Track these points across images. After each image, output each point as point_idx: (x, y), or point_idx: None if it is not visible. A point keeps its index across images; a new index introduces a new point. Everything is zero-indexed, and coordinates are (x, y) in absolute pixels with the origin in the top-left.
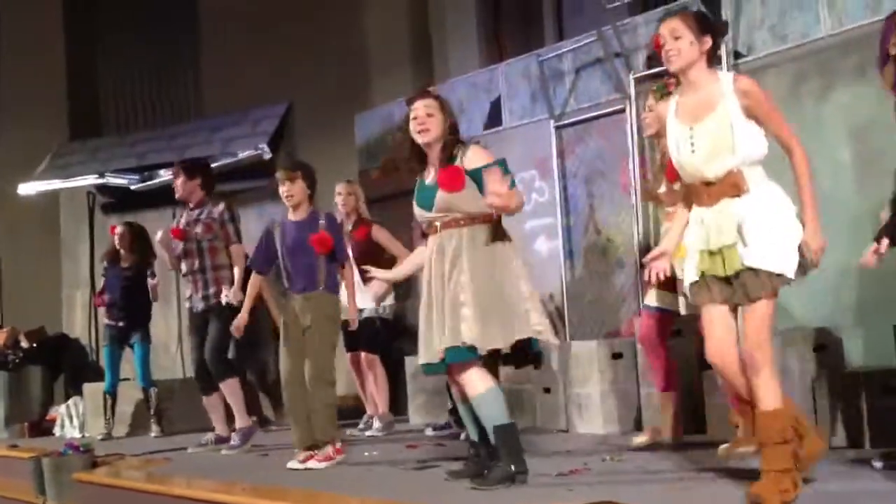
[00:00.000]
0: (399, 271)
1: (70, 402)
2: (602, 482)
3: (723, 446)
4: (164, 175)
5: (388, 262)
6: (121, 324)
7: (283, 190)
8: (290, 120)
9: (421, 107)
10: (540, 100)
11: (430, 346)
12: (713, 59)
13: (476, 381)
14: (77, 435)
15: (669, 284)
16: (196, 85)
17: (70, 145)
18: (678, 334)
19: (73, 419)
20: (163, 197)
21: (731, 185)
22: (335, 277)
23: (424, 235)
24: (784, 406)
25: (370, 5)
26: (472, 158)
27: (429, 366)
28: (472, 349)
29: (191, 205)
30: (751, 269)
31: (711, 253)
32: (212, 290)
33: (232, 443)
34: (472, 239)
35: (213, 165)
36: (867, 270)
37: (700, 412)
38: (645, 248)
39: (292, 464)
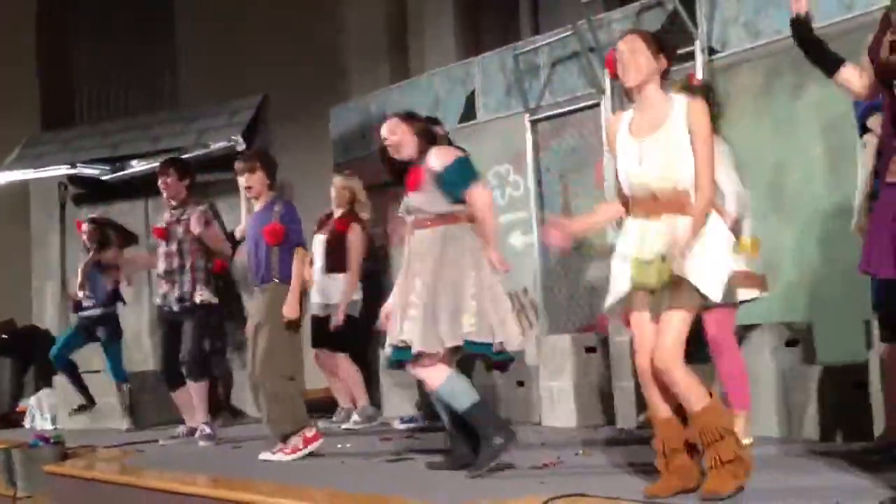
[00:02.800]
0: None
1: (40, 394)
2: (574, 475)
3: None
4: (137, 166)
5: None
6: (94, 313)
7: (241, 181)
8: (265, 112)
9: (385, 130)
10: (515, 94)
11: (389, 340)
12: (666, 80)
13: (432, 377)
14: (48, 427)
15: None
16: (171, 75)
17: (42, 135)
18: None
19: (44, 411)
20: (135, 188)
21: (678, 204)
22: (288, 266)
23: None
24: (713, 401)
25: None
26: (435, 159)
27: (389, 361)
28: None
29: (173, 203)
30: (680, 279)
31: (645, 263)
32: (187, 290)
33: (176, 432)
34: (439, 240)
35: (186, 156)
36: (838, 265)
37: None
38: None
39: (263, 454)
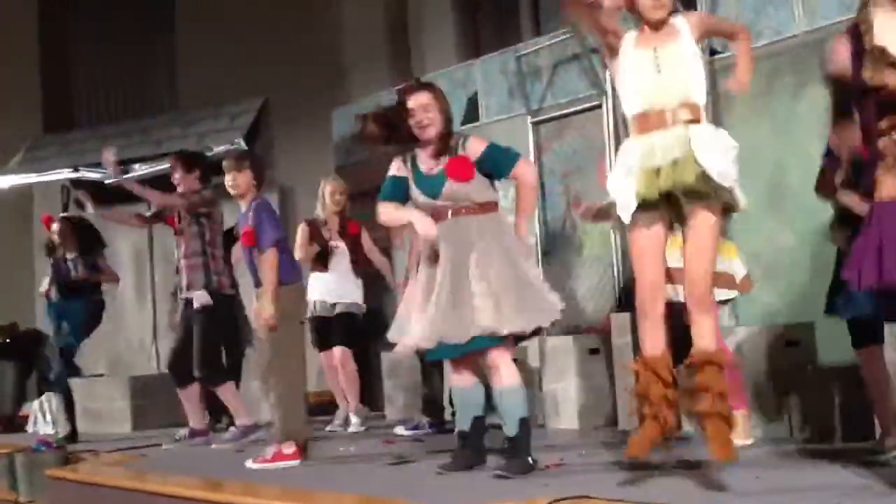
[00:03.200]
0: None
1: (43, 398)
2: (578, 477)
3: None
4: (139, 169)
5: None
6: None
7: (227, 179)
8: (266, 115)
9: (417, 103)
10: (517, 96)
11: (447, 330)
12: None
13: (507, 372)
14: (50, 431)
15: None
16: (172, 78)
17: (44, 139)
18: None
19: (46, 416)
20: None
21: (691, 110)
22: (287, 267)
23: None
24: (722, 354)
25: (348, 0)
26: (473, 148)
27: (436, 352)
28: (494, 337)
29: (183, 195)
30: (705, 180)
31: (657, 172)
32: (185, 283)
33: (226, 436)
34: (483, 228)
35: None
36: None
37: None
38: (621, 244)
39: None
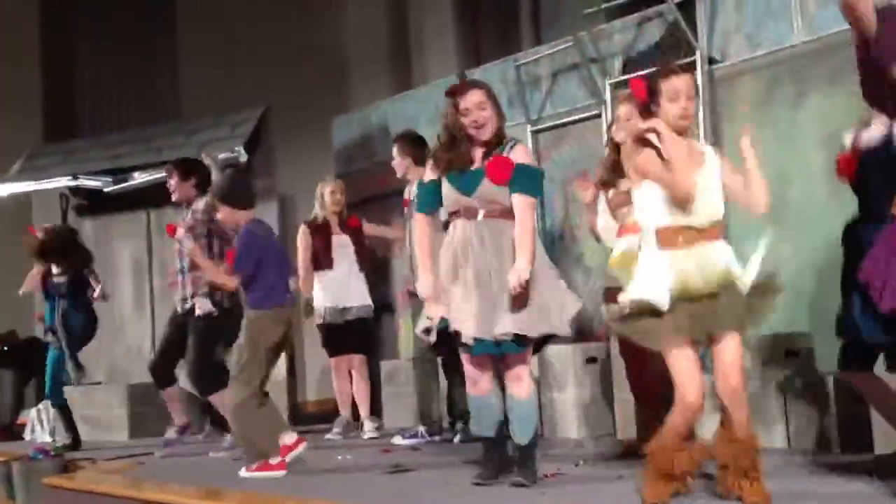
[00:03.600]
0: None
1: (41, 406)
2: (575, 487)
3: None
4: (139, 177)
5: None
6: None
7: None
8: (267, 123)
9: (472, 102)
10: (517, 104)
11: (488, 324)
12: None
13: (528, 382)
14: (48, 440)
15: None
16: (173, 86)
17: (44, 147)
18: None
19: (44, 424)
20: (136, 199)
21: (715, 233)
22: (270, 291)
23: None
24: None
25: (349, 9)
26: (517, 155)
27: (481, 344)
28: (523, 341)
29: (178, 203)
30: (742, 284)
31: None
32: (189, 293)
33: (224, 444)
34: (512, 234)
35: None
36: (839, 275)
37: None
38: None
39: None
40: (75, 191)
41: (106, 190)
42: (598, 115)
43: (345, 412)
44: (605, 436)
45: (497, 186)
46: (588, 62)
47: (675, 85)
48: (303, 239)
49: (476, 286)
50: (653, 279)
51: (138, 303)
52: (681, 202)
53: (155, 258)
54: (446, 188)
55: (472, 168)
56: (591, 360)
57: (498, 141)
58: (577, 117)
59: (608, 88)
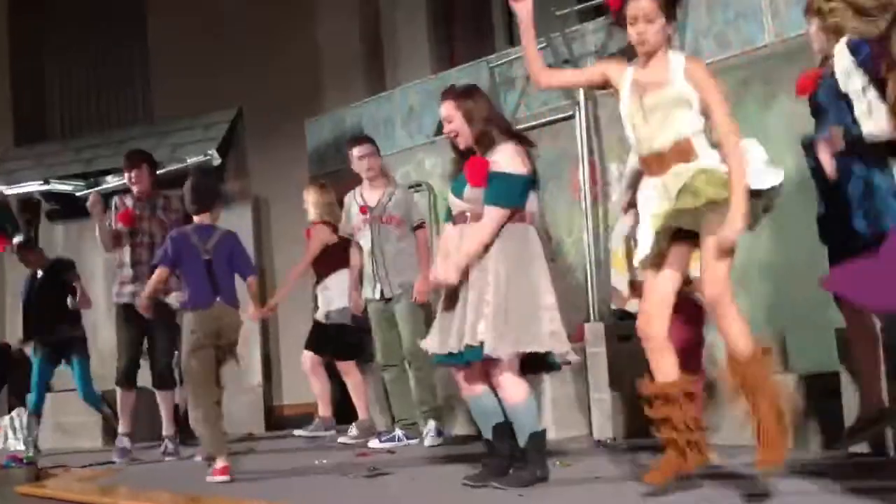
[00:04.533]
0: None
1: (14, 413)
2: (553, 487)
3: None
4: (111, 181)
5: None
6: (52, 338)
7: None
8: (240, 125)
9: (443, 115)
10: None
11: (446, 337)
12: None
13: (513, 388)
14: (21, 447)
15: None
16: (144, 89)
17: (15, 150)
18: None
19: (17, 431)
20: (109, 203)
21: (681, 153)
22: (185, 295)
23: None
24: (757, 346)
25: (322, 11)
26: (499, 159)
27: (440, 356)
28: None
29: (140, 195)
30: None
31: (667, 213)
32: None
33: (168, 448)
34: (498, 239)
35: (161, 171)
36: (808, 275)
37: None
38: (595, 253)
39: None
40: (47, 195)
41: (78, 194)
42: (572, 116)
43: (323, 411)
44: (582, 435)
45: (474, 189)
46: (561, 63)
47: (630, 10)
48: (322, 234)
49: (447, 293)
50: (643, 223)
51: (110, 308)
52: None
53: None
54: (449, 194)
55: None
56: (566, 361)
57: (488, 143)
58: (551, 118)
59: (581, 89)
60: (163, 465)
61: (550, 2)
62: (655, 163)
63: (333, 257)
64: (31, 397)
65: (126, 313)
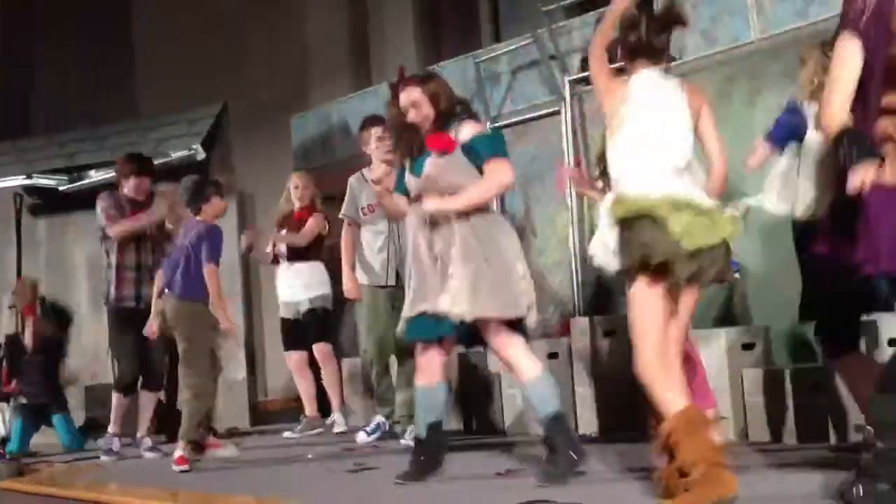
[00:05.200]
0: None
1: None
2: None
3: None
4: (95, 176)
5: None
6: (40, 400)
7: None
8: (224, 120)
9: (407, 101)
10: (477, 101)
11: (418, 302)
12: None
13: (525, 363)
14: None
15: None
16: (130, 84)
17: None
18: (612, 333)
19: (1, 427)
20: (93, 198)
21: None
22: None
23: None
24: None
25: (309, 7)
26: (465, 132)
27: (412, 332)
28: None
29: (141, 199)
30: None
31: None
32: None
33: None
34: (463, 213)
35: None
36: (793, 270)
37: (633, 409)
38: (581, 249)
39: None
40: (30, 190)
41: (61, 189)
42: (558, 112)
43: (309, 410)
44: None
45: (441, 160)
46: (548, 59)
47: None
48: (321, 223)
49: (417, 268)
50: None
51: (94, 304)
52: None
53: None
54: (407, 178)
55: (422, 153)
56: (552, 355)
57: (441, 124)
58: (537, 114)
59: (567, 85)
60: (146, 461)
61: None
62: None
63: (308, 247)
64: (10, 445)
65: (128, 318)
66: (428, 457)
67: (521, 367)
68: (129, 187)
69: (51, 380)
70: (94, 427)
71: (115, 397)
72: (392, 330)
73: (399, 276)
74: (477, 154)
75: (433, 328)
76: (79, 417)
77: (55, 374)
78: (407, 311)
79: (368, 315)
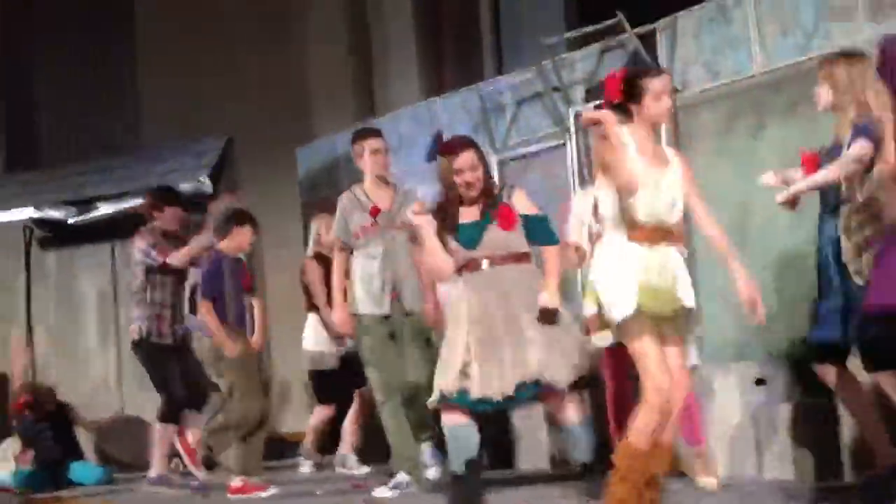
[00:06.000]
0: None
1: (3, 444)
2: None
3: None
4: (102, 208)
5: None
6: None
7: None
8: (231, 152)
9: (466, 163)
10: (482, 132)
11: (501, 378)
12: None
13: (574, 409)
14: (8, 478)
15: None
16: (136, 118)
17: (5, 178)
18: None
19: (7, 462)
20: (101, 230)
21: (678, 234)
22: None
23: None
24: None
25: (312, 38)
26: (519, 202)
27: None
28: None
29: (170, 233)
30: (686, 308)
31: (657, 290)
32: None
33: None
34: (525, 276)
35: None
36: (803, 303)
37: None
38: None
39: None
40: (39, 222)
41: (70, 221)
42: (563, 144)
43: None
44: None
45: (505, 232)
46: (551, 91)
47: (662, 83)
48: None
49: (487, 336)
50: (619, 280)
51: (103, 336)
52: (622, 188)
53: (120, 290)
54: (452, 245)
55: (474, 220)
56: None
57: (492, 197)
58: (541, 146)
59: (572, 117)
60: (157, 495)
61: (539, 30)
62: (656, 232)
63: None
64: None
65: (166, 350)
66: (467, 493)
67: (575, 411)
68: (164, 219)
69: (62, 437)
70: (105, 459)
71: (158, 427)
72: (396, 364)
73: (395, 304)
74: (534, 235)
75: (515, 400)
76: (88, 449)
77: (68, 430)
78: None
79: (368, 351)
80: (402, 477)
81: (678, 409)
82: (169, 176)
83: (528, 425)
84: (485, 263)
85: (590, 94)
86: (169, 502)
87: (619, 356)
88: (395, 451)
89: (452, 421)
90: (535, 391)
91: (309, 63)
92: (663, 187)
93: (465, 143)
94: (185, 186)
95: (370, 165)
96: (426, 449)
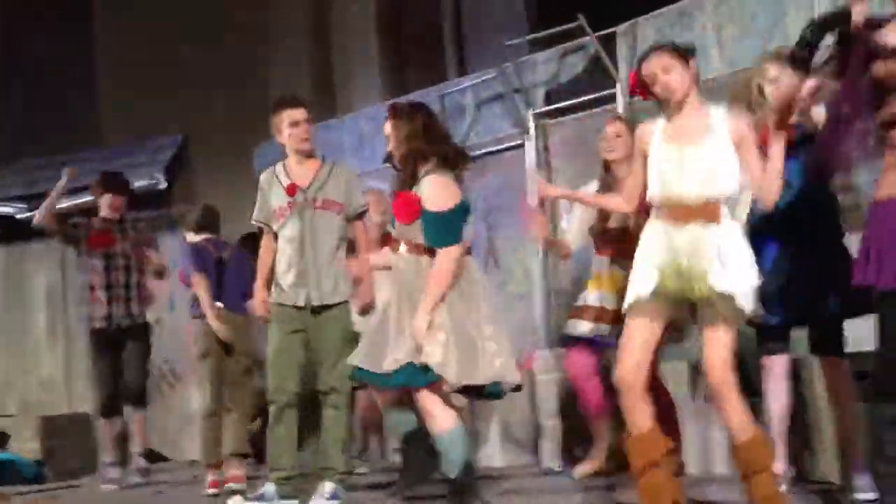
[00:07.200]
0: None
1: None
2: None
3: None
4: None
5: None
6: None
7: None
8: (187, 150)
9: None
10: None
11: (377, 355)
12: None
13: (440, 415)
14: None
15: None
16: (94, 116)
17: None
18: None
19: None
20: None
21: (709, 213)
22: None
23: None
24: (758, 431)
25: (273, 35)
26: (426, 195)
27: (368, 374)
28: (430, 373)
29: (113, 218)
30: (722, 294)
31: (679, 273)
32: (135, 309)
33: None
34: (419, 271)
35: None
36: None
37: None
38: (545, 281)
39: None
40: None
41: (19, 217)
42: (522, 145)
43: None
44: (531, 465)
45: (404, 226)
46: (512, 92)
47: (648, 68)
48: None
49: (383, 315)
50: (644, 266)
51: (52, 333)
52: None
53: (69, 287)
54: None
55: None
56: (516, 388)
57: (411, 171)
58: (501, 147)
59: (532, 118)
60: (103, 492)
61: (502, 32)
62: (679, 212)
63: None
64: None
65: (101, 339)
66: (415, 466)
67: (435, 417)
68: (102, 204)
69: None
70: (52, 458)
71: (101, 423)
72: (300, 355)
73: (308, 297)
74: (425, 233)
75: (391, 378)
76: (35, 448)
77: None
78: (366, 360)
79: (277, 340)
80: (268, 488)
81: (717, 399)
82: (125, 171)
83: (512, 420)
84: (403, 247)
85: (550, 96)
86: (118, 499)
87: (583, 354)
88: (271, 459)
89: (443, 425)
90: (400, 382)
91: (270, 60)
92: (690, 162)
93: (389, 110)
94: (140, 183)
95: (290, 139)
96: (328, 488)
